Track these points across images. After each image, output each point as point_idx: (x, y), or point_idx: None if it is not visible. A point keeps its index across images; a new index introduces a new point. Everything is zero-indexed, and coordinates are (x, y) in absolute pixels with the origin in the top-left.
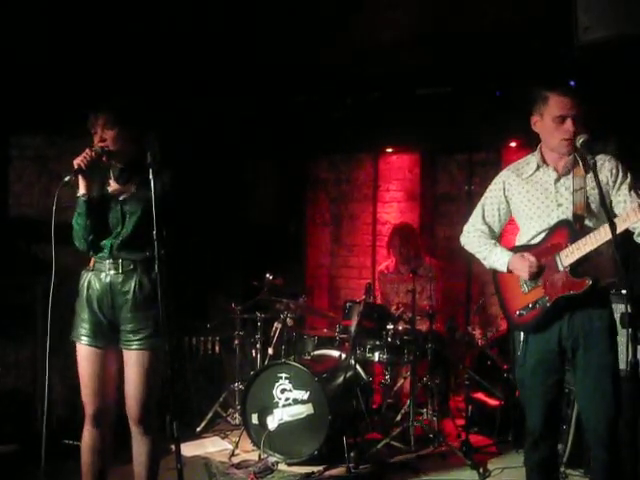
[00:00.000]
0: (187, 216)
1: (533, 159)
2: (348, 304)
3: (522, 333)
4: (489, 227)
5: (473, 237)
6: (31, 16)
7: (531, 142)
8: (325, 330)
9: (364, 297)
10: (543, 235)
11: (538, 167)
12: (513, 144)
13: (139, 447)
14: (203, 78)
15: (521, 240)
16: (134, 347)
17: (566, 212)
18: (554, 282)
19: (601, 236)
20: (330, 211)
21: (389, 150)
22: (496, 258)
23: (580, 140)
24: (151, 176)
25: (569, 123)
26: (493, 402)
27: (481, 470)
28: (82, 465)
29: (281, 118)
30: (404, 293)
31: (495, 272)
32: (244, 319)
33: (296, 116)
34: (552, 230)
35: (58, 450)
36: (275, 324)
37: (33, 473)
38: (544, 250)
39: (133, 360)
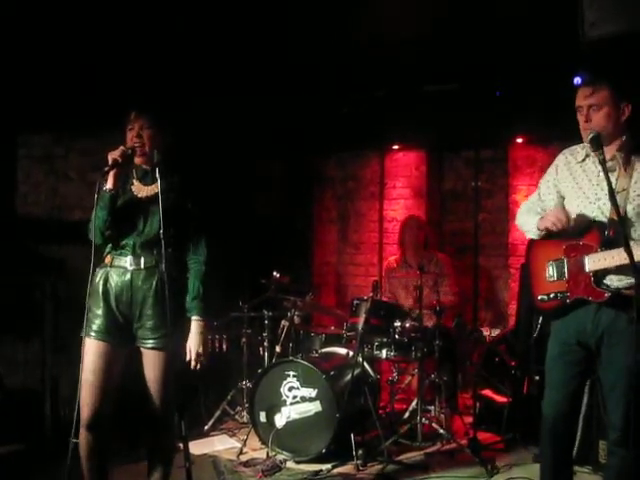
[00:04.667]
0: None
1: (585, 149)
2: (355, 301)
3: (541, 317)
4: (542, 206)
5: (521, 213)
6: (39, 16)
7: (537, 138)
8: (332, 328)
9: (371, 294)
10: (579, 229)
11: (587, 155)
12: (519, 140)
13: (157, 444)
14: (212, 78)
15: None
16: (151, 345)
17: (603, 209)
18: (577, 281)
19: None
20: (337, 209)
21: (395, 147)
22: (532, 222)
23: (589, 136)
24: (157, 175)
25: (583, 114)
26: (501, 399)
27: (489, 467)
28: (83, 469)
29: (288, 116)
30: (413, 288)
31: (529, 250)
32: (251, 317)
33: (302, 114)
34: (586, 229)
35: (65, 449)
36: (282, 322)
37: (40, 471)
38: (575, 245)
39: (151, 358)
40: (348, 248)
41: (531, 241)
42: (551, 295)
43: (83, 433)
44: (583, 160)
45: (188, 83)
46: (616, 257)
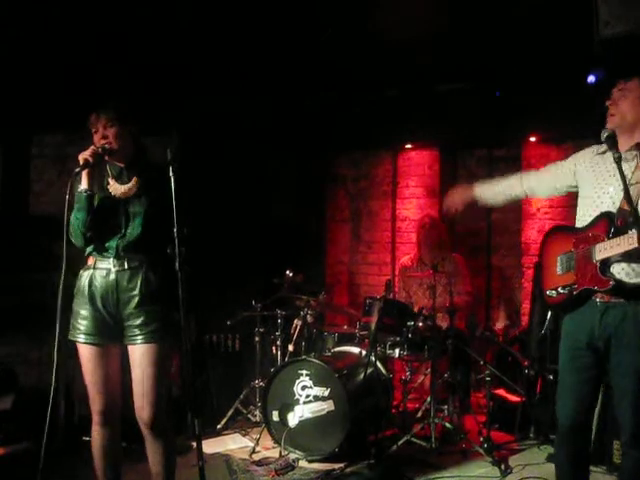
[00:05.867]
0: (207, 213)
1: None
2: (368, 301)
3: (549, 312)
4: (534, 180)
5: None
6: (50, 17)
7: (551, 137)
8: (345, 327)
9: (384, 294)
10: (589, 220)
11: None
12: (533, 139)
13: (152, 448)
14: (223, 77)
15: (577, 218)
16: (139, 341)
17: (614, 198)
18: (585, 272)
19: (632, 241)
20: (349, 208)
21: (408, 146)
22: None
23: (604, 135)
24: (171, 174)
25: (611, 99)
26: (514, 398)
27: (502, 467)
28: (95, 465)
29: (300, 115)
30: (427, 287)
31: (542, 246)
32: (264, 316)
33: (315, 113)
34: (596, 219)
35: (78, 447)
36: (295, 321)
37: (53, 469)
38: (584, 237)
39: (139, 355)
40: (361, 247)
41: (545, 237)
42: (559, 289)
43: (95, 429)
44: (604, 152)
45: (200, 84)
46: (622, 243)
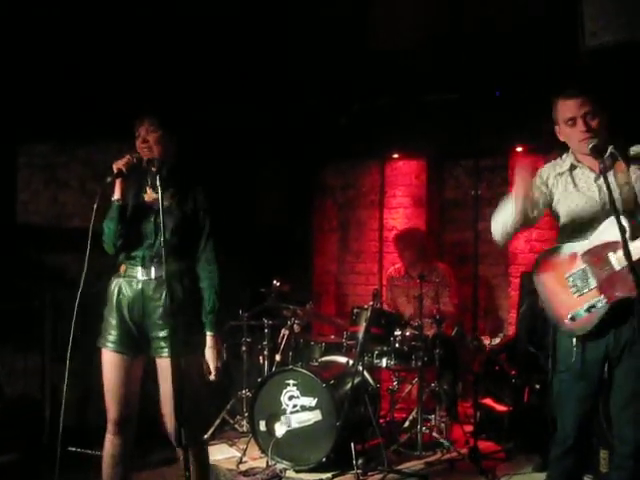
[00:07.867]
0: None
1: (568, 160)
2: (355, 310)
3: (574, 339)
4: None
5: (493, 219)
6: (41, 26)
7: (537, 147)
8: (332, 336)
9: (371, 303)
10: (592, 234)
11: (574, 167)
12: (520, 149)
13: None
14: (212, 86)
15: (563, 239)
16: (166, 354)
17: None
18: (612, 282)
19: None
20: (337, 217)
21: (395, 156)
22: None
23: (590, 145)
24: (158, 182)
25: (580, 123)
26: (501, 408)
27: (490, 476)
28: (103, 474)
29: (288, 124)
30: (414, 297)
31: (538, 274)
32: (251, 326)
33: (303, 122)
34: (604, 228)
35: (64, 458)
36: (282, 330)
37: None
38: (597, 249)
39: (167, 368)
40: (348, 257)
41: (537, 263)
42: (583, 310)
43: (108, 438)
44: (571, 172)
45: (185, 92)
46: None
